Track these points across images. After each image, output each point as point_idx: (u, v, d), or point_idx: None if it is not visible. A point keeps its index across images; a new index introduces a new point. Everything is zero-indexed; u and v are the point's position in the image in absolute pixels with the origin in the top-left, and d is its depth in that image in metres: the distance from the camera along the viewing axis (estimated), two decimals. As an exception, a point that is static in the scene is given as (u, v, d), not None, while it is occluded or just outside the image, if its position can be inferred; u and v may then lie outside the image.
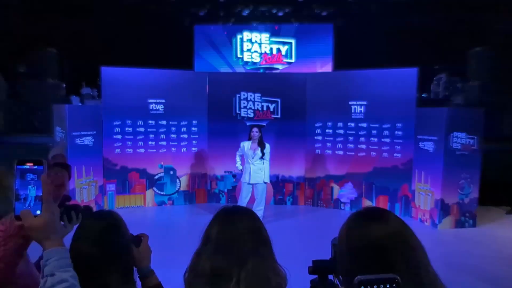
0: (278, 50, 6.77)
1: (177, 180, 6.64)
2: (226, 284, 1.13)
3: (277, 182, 6.72)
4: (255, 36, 6.87)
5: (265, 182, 5.23)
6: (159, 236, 5.00)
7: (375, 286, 0.76)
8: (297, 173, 6.75)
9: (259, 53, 6.98)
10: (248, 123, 6.53)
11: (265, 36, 6.93)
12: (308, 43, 7.06)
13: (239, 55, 6.98)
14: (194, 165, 6.70)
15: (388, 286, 0.76)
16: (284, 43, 6.86)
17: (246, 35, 6.87)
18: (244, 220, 1.23)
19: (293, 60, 6.89)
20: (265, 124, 6.63)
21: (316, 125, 6.64)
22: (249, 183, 5.21)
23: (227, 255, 1.16)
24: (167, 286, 1.46)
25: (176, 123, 6.58)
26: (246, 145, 5.22)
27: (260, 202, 5.30)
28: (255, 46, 6.82)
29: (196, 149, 6.72)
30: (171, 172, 6.61)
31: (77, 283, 1.02)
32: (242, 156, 5.31)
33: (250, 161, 5.21)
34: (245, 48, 6.90)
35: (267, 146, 5.21)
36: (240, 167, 5.27)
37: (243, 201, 5.29)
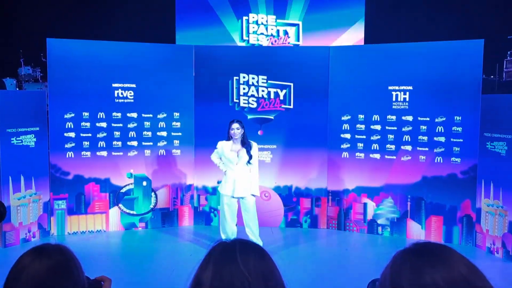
0: (286, 32, 6.72)
1: (153, 194, 6.40)
2: None
3: (289, 197, 6.51)
4: (261, 17, 6.84)
5: (253, 195, 5.05)
6: (128, 276, 4.82)
7: None
8: (317, 184, 6.50)
9: (265, 35, 6.94)
10: (249, 116, 6.34)
11: (271, 18, 6.89)
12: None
13: (244, 37, 6.91)
14: (176, 174, 6.49)
15: None
16: (292, 25, 6.83)
17: (252, 16, 6.81)
18: (250, 260, 1.19)
19: (300, 42, 6.85)
20: (272, 117, 6.39)
21: (342, 118, 6.36)
22: (233, 197, 5.00)
23: None
24: None
25: (151, 116, 6.34)
26: (225, 146, 5.04)
27: (253, 222, 5.06)
28: (261, 28, 6.80)
29: (178, 151, 6.47)
30: (144, 183, 6.36)
31: None
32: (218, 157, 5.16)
33: (232, 167, 4.99)
34: (251, 30, 6.86)
35: (254, 145, 5.04)
36: (224, 169, 5.08)
37: (229, 226, 5.04)
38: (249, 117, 6.40)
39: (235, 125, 5.02)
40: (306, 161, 6.48)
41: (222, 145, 5.14)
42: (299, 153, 6.44)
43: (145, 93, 6.29)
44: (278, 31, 6.90)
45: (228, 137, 5.08)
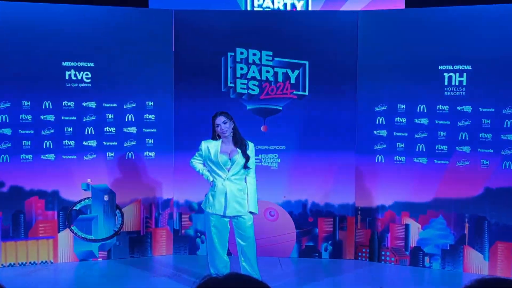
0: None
1: (117, 212, 5.90)
2: None
3: (303, 216, 6.04)
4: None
5: (251, 212, 4.73)
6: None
7: None
8: (341, 198, 5.99)
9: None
10: (249, 106, 5.80)
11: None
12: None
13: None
14: (149, 185, 6.00)
15: None
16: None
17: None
18: None
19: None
20: (280, 108, 5.84)
21: (376, 109, 5.82)
22: (224, 217, 4.69)
23: None
24: None
25: (115, 105, 5.78)
26: (212, 147, 4.72)
27: (251, 251, 4.79)
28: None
29: (152, 154, 5.93)
30: (106, 198, 5.83)
31: None
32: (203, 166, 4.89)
33: (223, 175, 4.62)
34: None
35: (251, 145, 4.75)
36: (211, 178, 4.73)
37: (220, 256, 4.78)
38: (249, 107, 5.80)
39: (220, 119, 4.63)
40: (326, 168, 5.94)
41: (207, 145, 4.69)
42: (316, 157, 5.95)
43: (107, 75, 5.77)
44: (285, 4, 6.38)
45: (214, 136, 4.72)
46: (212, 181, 4.70)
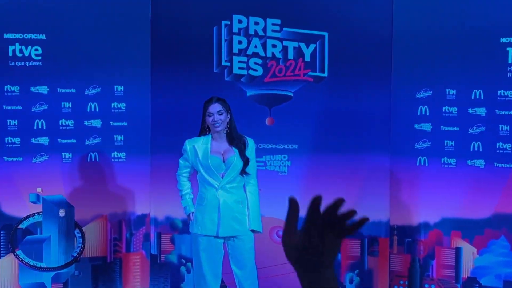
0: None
1: (76, 232, 5.29)
2: None
3: None
4: None
5: (253, 231, 4.30)
6: None
7: None
8: (371, 214, 4.90)
9: None
10: (249, 92, 5.20)
11: None
12: None
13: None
14: (118, 196, 5.38)
15: None
16: None
17: None
18: None
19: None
20: (292, 94, 5.20)
21: (418, 95, 5.22)
22: (217, 237, 4.30)
23: None
24: None
25: (73, 91, 5.15)
26: (199, 147, 4.28)
27: (250, 281, 4.43)
28: None
29: (122, 156, 5.29)
30: (62, 213, 5.22)
31: None
32: (190, 177, 4.50)
33: (216, 184, 4.24)
34: None
35: (250, 144, 4.34)
36: (191, 209, 4.36)
37: None
38: (250, 93, 5.14)
39: (215, 107, 4.17)
40: (351, 174, 5.24)
41: (193, 145, 4.26)
42: (338, 160, 5.25)
43: (62, 51, 5.17)
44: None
45: (203, 131, 4.26)
46: (188, 215, 4.27)
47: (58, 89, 4.90)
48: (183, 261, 5.24)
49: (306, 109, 5.09)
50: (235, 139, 4.18)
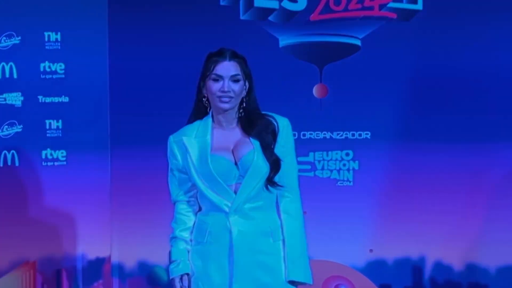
0: None
1: None
2: None
3: None
4: None
5: (293, 283, 2.46)
6: None
7: None
8: (504, 254, 3.98)
9: None
10: (282, 39, 3.99)
11: None
12: None
13: None
14: (55, 227, 4.14)
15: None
16: None
17: None
18: None
19: None
20: (359, 41, 4.03)
21: None
22: None
23: None
24: None
25: None
26: (191, 140, 2.51)
27: None
28: None
29: (60, 154, 3.93)
30: None
31: None
32: (192, 207, 2.55)
33: (225, 206, 2.44)
34: None
35: (283, 126, 2.44)
36: (183, 270, 2.46)
37: None
38: (284, 42, 3.81)
39: (227, 67, 2.42)
40: (470, 182, 3.77)
41: (182, 141, 2.55)
42: (447, 157, 3.75)
43: None
44: None
45: (198, 111, 2.53)
46: (180, 278, 2.75)
47: None
48: (166, 328, 3.86)
49: (385, 68, 3.60)
50: (255, 124, 2.55)
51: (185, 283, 2.40)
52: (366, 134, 3.72)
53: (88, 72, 3.72)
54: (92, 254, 3.84)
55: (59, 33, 3.67)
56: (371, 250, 3.84)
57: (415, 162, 3.71)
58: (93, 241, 3.84)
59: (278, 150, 2.58)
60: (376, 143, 3.70)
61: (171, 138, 2.56)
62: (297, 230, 2.54)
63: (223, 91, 2.44)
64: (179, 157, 2.57)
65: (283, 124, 2.57)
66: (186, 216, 2.51)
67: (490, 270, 3.88)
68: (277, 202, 2.59)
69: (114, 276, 3.88)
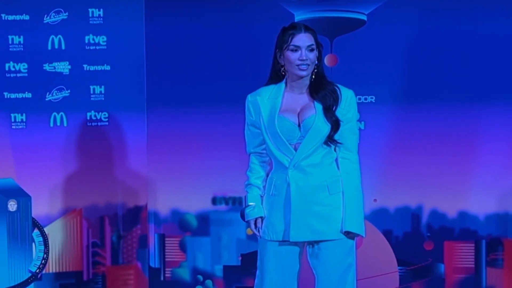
0: None
1: (35, 234, 4.43)
2: None
3: (413, 239, 4.82)
4: None
5: (349, 234, 3.03)
6: None
7: None
8: (489, 202, 4.44)
9: None
10: (297, 14, 4.49)
11: None
12: None
13: None
14: (98, 181, 4.54)
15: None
16: None
17: None
18: None
19: None
20: (365, 16, 4.69)
21: None
22: (288, 243, 3.14)
23: None
24: None
25: (26, 18, 4.31)
26: (265, 101, 3.13)
27: None
28: None
29: (103, 116, 4.44)
30: (12, 206, 4.41)
31: None
32: (264, 158, 3.21)
33: (287, 160, 3.09)
34: None
35: (346, 95, 3.06)
36: (257, 214, 3.16)
37: None
38: (299, 16, 4.36)
39: (304, 39, 3.00)
40: (465, 139, 4.26)
41: (257, 101, 3.14)
42: (443, 117, 4.18)
43: None
44: None
45: (273, 76, 3.08)
46: (254, 221, 3.13)
47: (3, 15, 3.89)
48: (200, 277, 4.21)
49: (388, 40, 4.01)
50: (321, 89, 2.97)
51: (259, 225, 2.87)
52: (371, 98, 4.05)
53: (127, 44, 4.15)
54: (131, 203, 4.28)
55: (101, 10, 4.06)
56: (375, 200, 4.25)
57: (414, 122, 4.11)
58: (132, 192, 4.32)
59: (340, 116, 2.85)
60: (380, 106, 4.06)
61: (249, 97, 2.97)
62: (355, 188, 2.91)
63: (302, 60, 2.76)
64: (253, 114, 2.93)
65: (346, 95, 2.86)
66: (260, 166, 2.97)
67: (479, 217, 4.24)
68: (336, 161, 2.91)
69: (150, 222, 4.29)
